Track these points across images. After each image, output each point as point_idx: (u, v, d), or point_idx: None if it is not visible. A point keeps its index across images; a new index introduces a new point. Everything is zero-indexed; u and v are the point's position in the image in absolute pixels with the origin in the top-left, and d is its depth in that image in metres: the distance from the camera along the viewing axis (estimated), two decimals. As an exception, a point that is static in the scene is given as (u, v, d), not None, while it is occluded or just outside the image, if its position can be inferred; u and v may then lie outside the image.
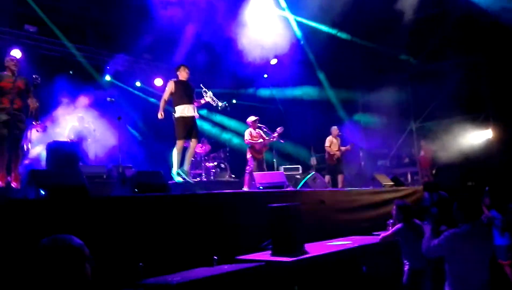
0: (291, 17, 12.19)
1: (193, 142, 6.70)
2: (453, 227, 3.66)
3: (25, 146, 5.96)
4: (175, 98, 6.71)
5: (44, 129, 6.50)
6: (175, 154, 6.63)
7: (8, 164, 5.43)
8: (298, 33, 12.32)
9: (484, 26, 10.52)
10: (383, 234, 5.13)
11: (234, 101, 13.22)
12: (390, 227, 5.23)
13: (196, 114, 6.80)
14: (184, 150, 6.70)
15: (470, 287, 3.48)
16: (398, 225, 4.85)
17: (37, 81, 5.71)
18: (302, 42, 12.35)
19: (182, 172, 6.67)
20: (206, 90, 7.09)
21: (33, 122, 5.89)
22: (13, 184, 5.39)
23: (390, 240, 4.97)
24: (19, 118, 5.63)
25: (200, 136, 10.62)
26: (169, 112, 6.89)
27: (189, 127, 6.64)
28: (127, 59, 11.53)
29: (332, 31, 12.18)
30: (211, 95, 7.04)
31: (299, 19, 12.20)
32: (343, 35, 12.40)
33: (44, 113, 8.58)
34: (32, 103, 5.74)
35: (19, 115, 5.64)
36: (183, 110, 6.61)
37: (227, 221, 4.79)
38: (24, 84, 5.76)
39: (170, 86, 6.74)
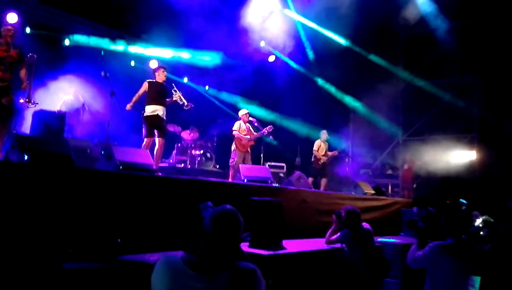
0: (295, 16, 12.23)
1: (159, 140, 6.73)
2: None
3: None
4: (147, 98, 6.85)
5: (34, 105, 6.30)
6: None
7: None
8: (300, 32, 12.37)
9: (479, 47, 10.71)
10: (330, 237, 5.16)
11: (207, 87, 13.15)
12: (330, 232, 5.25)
13: (164, 116, 6.86)
14: (151, 149, 6.70)
15: None
16: (345, 231, 4.77)
17: (32, 59, 5.57)
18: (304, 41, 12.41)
19: None
20: (176, 90, 7.26)
21: (21, 100, 5.68)
22: None
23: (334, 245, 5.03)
24: (5, 90, 5.34)
25: (189, 122, 10.65)
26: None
27: (155, 126, 6.73)
28: (125, 37, 11.41)
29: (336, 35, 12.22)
30: (180, 95, 7.22)
31: (302, 19, 12.23)
32: (341, 41, 12.46)
33: (38, 83, 8.43)
34: (24, 79, 5.53)
35: (5, 86, 5.34)
36: (152, 110, 6.74)
37: (208, 209, 4.79)
38: (17, 54, 5.51)
39: (144, 86, 6.92)
